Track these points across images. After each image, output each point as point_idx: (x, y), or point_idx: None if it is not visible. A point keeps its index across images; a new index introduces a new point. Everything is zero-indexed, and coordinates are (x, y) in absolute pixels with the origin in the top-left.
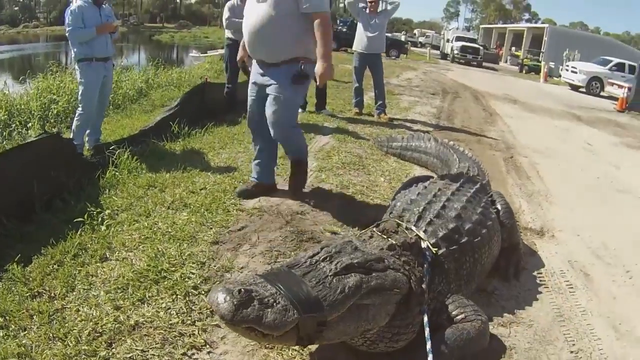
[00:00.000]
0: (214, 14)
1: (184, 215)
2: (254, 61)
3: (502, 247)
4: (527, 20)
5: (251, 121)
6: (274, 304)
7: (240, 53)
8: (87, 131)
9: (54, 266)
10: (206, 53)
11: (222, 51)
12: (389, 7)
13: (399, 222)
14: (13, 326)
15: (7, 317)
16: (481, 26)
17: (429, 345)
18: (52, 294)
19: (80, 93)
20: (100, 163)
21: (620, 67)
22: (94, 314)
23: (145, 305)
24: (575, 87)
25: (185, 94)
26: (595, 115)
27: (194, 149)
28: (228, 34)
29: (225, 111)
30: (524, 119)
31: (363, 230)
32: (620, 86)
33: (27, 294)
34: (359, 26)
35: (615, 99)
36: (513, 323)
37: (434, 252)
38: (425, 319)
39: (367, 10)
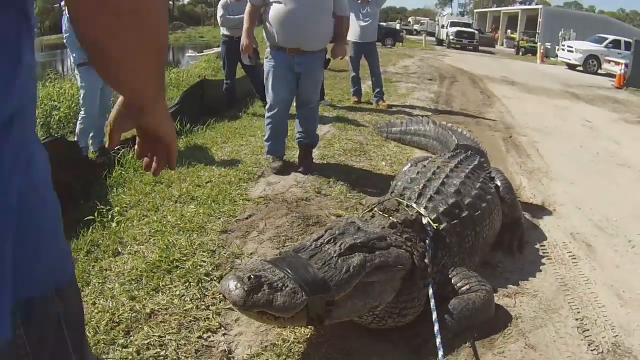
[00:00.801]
0: (207, 13)
1: (192, 208)
2: (271, 49)
3: (505, 222)
4: (521, 2)
5: (285, 103)
6: (283, 287)
7: (248, 41)
8: (91, 134)
9: None
10: (202, 52)
11: (218, 49)
12: None
13: (400, 200)
14: None
15: None
16: (475, 10)
17: (434, 316)
18: None
19: (81, 97)
20: (106, 163)
21: (616, 44)
22: (110, 305)
23: (160, 294)
24: (572, 66)
25: (184, 93)
26: (594, 92)
27: (197, 145)
28: (223, 31)
29: (225, 107)
30: (522, 100)
31: (366, 211)
32: (617, 63)
33: None
34: (351, 16)
35: (613, 76)
36: (518, 294)
37: (435, 227)
38: (430, 291)
39: (359, 0)
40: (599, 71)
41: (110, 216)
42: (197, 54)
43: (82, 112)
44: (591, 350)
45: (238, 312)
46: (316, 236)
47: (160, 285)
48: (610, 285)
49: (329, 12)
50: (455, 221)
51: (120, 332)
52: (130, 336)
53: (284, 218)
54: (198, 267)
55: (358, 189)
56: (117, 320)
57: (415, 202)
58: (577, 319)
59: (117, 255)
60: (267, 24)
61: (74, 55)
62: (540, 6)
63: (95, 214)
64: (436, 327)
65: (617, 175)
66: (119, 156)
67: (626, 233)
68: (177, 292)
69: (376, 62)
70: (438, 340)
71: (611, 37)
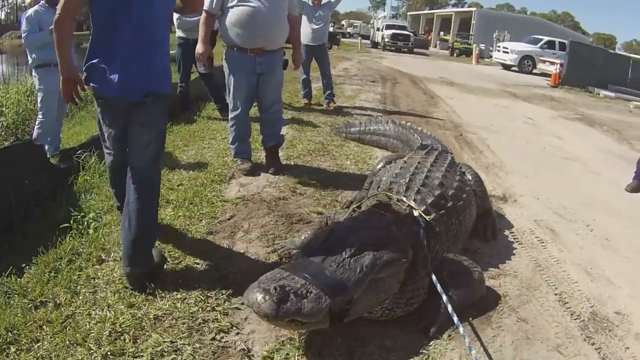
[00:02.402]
0: None
1: (170, 211)
2: (229, 51)
3: (477, 212)
4: (454, 5)
5: (247, 104)
6: (308, 293)
7: (204, 48)
8: (48, 139)
9: (51, 274)
10: None
11: (172, 52)
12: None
13: (390, 195)
14: (24, 339)
15: (15, 331)
16: (408, 13)
17: (445, 298)
18: (57, 302)
19: (40, 100)
20: (70, 168)
21: (550, 44)
22: (108, 315)
23: (159, 299)
24: (507, 67)
25: None
26: (531, 91)
27: None
28: (179, 33)
29: (180, 110)
30: (464, 100)
31: (360, 209)
32: (552, 63)
33: (30, 305)
34: (304, 19)
35: (548, 75)
36: (500, 275)
37: (426, 218)
38: (434, 277)
39: (311, 3)
40: (534, 71)
41: (86, 223)
42: None
43: (40, 116)
44: (574, 319)
45: (267, 323)
46: (322, 239)
47: (158, 290)
48: (579, 264)
49: (286, 10)
50: (442, 211)
51: (128, 341)
52: (139, 344)
53: (266, 217)
54: (192, 270)
55: (330, 187)
56: (120, 330)
57: (404, 195)
58: (556, 294)
59: (102, 263)
60: (227, 26)
61: (34, 56)
62: (473, 9)
63: (72, 222)
64: (445, 299)
65: (565, 168)
66: (82, 161)
67: (583, 219)
68: (179, 296)
69: (327, 64)
70: (450, 308)
71: (546, 38)
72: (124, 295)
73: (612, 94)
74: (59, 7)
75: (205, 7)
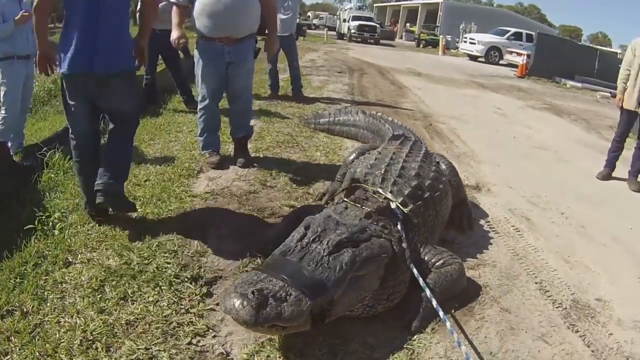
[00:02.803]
0: None
1: (137, 208)
2: (199, 41)
3: (453, 203)
4: None
5: (217, 94)
6: (287, 296)
7: (179, 33)
8: (11, 135)
9: (16, 280)
10: None
11: None
12: None
13: (366, 186)
14: None
15: None
16: (375, 5)
17: (428, 293)
18: (24, 310)
19: (2, 95)
20: (34, 166)
21: (517, 36)
22: (78, 322)
23: (130, 302)
24: (473, 58)
25: None
26: (498, 82)
27: None
28: None
29: (146, 103)
30: (432, 90)
31: (334, 201)
32: (519, 54)
33: None
34: None
35: (514, 66)
36: (480, 265)
37: (404, 210)
38: (415, 271)
39: None
40: (501, 62)
41: (51, 223)
42: None
43: (2, 112)
44: (556, 307)
45: (245, 327)
46: (298, 236)
47: (129, 293)
48: (556, 252)
49: None
50: (419, 202)
51: (100, 350)
52: (113, 352)
53: (237, 212)
54: (164, 270)
55: (301, 178)
56: (92, 338)
57: (380, 187)
58: (536, 283)
59: (69, 266)
60: (195, 16)
61: None
62: (440, 0)
63: (36, 222)
64: (428, 293)
65: (536, 157)
66: (46, 158)
67: (557, 207)
68: (150, 299)
69: (295, 55)
70: (434, 302)
71: (513, 30)
72: (93, 300)
73: (579, 85)
74: None
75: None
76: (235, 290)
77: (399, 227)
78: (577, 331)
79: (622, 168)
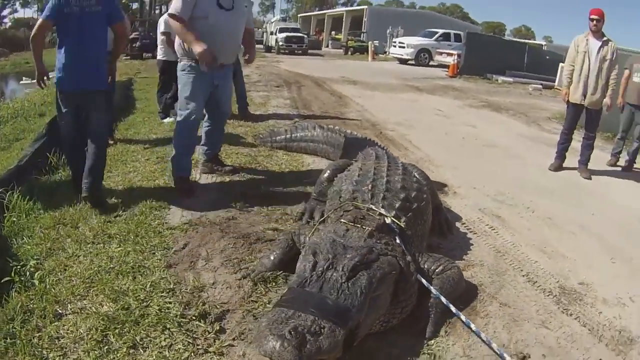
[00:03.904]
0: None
1: (117, 247)
2: (191, 63)
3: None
4: (344, 4)
5: (200, 115)
6: (321, 329)
7: (204, 44)
8: None
9: (7, 340)
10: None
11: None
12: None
13: (357, 204)
14: None
15: None
16: (299, 15)
17: (444, 300)
18: None
19: None
20: None
21: (446, 36)
22: None
23: (142, 350)
24: (403, 61)
25: (48, 124)
26: (432, 83)
27: None
28: None
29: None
30: (371, 97)
31: (325, 222)
32: (449, 54)
33: None
34: None
35: (445, 66)
36: (469, 266)
37: (399, 224)
38: (424, 281)
39: None
40: (431, 63)
41: (28, 273)
42: (32, 81)
43: None
44: (547, 295)
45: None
46: (310, 265)
47: (137, 340)
48: (533, 244)
49: (244, 25)
50: (409, 214)
51: None
52: None
53: (222, 241)
54: (167, 311)
55: (273, 199)
56: None
57: (372, 203)
58: (523, 276)
59: (60, 318)
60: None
61: None
62: (365, 7)
63: (13, 274)
64: (444, 300)
65: (488, 155)
66: (5, 202)
67: (522, 202)
68: (163, 344)
69: (240, 74)
70: (444, 300)
71: (441, 31)
72: (100, 353)
73: (510, 79)
74: (35, 27)
75: (175, 11)
76: (270, 332)
77: (397, 240)
78: (571, 314)
79: (570, 158)
